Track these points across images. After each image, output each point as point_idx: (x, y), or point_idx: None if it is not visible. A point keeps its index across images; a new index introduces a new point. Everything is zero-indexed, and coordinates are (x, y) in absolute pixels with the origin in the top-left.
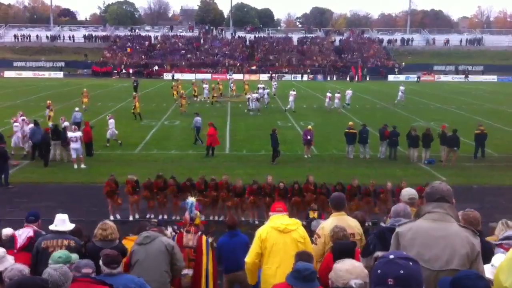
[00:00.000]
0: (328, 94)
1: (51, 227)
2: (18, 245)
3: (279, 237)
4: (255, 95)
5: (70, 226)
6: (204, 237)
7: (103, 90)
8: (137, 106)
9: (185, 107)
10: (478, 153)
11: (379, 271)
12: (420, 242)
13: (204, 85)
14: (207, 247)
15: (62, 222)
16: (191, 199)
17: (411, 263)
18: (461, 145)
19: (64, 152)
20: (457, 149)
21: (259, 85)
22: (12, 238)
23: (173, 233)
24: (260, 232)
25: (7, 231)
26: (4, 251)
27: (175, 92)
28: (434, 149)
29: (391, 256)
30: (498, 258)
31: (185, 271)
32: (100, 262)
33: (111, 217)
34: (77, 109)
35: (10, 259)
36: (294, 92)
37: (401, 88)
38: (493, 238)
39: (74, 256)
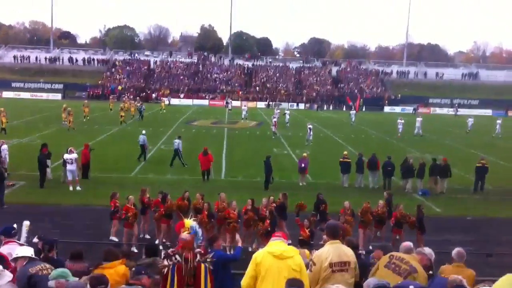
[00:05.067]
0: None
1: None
2: (13, 264)
3: (273, 262)
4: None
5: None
6: (202, 265)
7: (100, 114)
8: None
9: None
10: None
11: None
12: None
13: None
14: (206, 275)
15: (27, 251)
16: (191, 222)
17: None
18: (457, 177)
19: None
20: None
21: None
22: (2, 259)
23: (170, 263)
24: (256, 255)
25: None
26: (2, 269)
27: (86, 109)
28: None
29: (411, 287)
30: None
31: None
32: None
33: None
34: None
35: (8, 275)
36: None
37: (400, 121)
38: None
39: (72, 278)
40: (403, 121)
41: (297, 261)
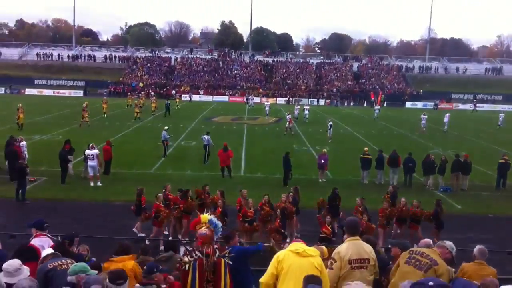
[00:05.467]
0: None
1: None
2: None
3: (296, 260)
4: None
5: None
6: (222, 260)
7: (121, 110)
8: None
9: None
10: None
11: None
12: None
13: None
14: (225, 270)
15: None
16: (208, 216)
17: None
18: (479, 174)
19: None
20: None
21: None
22: (34, 251)
23: (191, 259)
24: (278, 253)
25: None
26: (20, 263)
27: (104, 105)
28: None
29: (430, 283)
30: None
31: None
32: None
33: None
34: (166, 127)
35: (26, 270)
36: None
37: (423, 117)
38: None
39: (93, 271)
40: (426, 116)
41: (319, 261)
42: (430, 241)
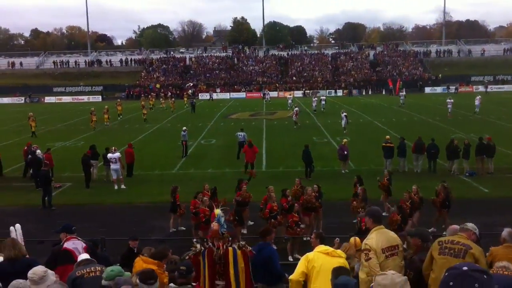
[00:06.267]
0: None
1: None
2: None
3: (326, 259)
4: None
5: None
6: (230, 249)
7: (139, 113)
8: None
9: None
10: None
11: (451, 283)
12: None
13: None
14: (234, 258)
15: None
16: (218, 211)
17: (485, 276)
18: (504, 157)
19: (108, 172)
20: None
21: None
22: (70, 254)
23: (203, 248)
24: (307, 254)
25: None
26: (45, 269)
27: (119, 107)
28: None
29: (464, 268)
30: None
31: (218, 282)
32: (137, 280)
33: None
34: (184, 128)
35: (51, 276)
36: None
37: (449, 101)
38: None
39: (127, 273)
40: (452, 100)
41: (346, 263)
42: (457, 227)
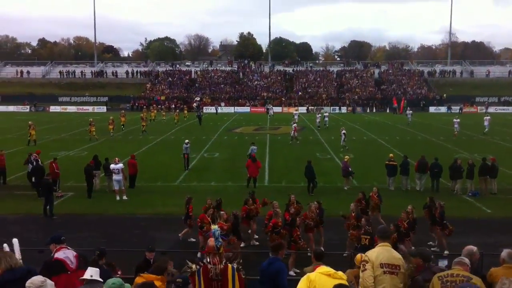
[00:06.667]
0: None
1: (86, 277)
2: (73, 267)
3: (328, 280)
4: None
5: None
6: (229, 266)
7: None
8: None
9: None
10: None
11: None
12: None
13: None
14: (233, 276)
15: (96, 273)
16: (215, 227)
17: None
18: (507, 177)
19: (109, 182)
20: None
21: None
22: (62, 264)
23: (198, 267)
24: (308, 274)
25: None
26: (42, 279)
27: (122, 118)
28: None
29: None
30: None
31: None
32: None
33: None
34: (186, 141)
35: (49, 286)
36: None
37: (456, 120)
38: None
39: (127, 285)
40: (458, 120)
41: (348, 284)
42: (473, 248)
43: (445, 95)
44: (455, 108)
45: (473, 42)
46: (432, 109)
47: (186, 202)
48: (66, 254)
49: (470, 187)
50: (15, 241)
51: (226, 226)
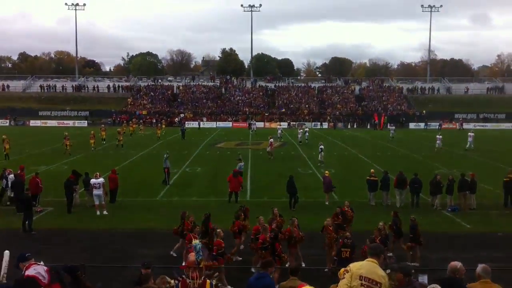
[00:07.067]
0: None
1: None
2: (45, 281)
3: None
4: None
5: None
6: (208, 281)
7: (125, 139)
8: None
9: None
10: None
11: None
12: None
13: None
14: None
15: None
16: (196, 242)
17: None
18: (487, 193)
19: (89, 197)
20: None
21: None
22: (34, 280)
23: (176, 281)
24: None
25: None
26: None
27: (103, 133)
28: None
29: None
30: None
31: None
32: None
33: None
34: (166, 155)
35: None
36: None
37: (438, 137)
38: None
39: None
40: (441, 136)
41: None
42: (457, 264)
43: (424, 111)
44: (434, 124)
45: (452, 59)
46: (412, 125)
47: (181, 217)
48: (37, 270)
49: (450, 202)
50: (6, 253)
51: (223, 244)
